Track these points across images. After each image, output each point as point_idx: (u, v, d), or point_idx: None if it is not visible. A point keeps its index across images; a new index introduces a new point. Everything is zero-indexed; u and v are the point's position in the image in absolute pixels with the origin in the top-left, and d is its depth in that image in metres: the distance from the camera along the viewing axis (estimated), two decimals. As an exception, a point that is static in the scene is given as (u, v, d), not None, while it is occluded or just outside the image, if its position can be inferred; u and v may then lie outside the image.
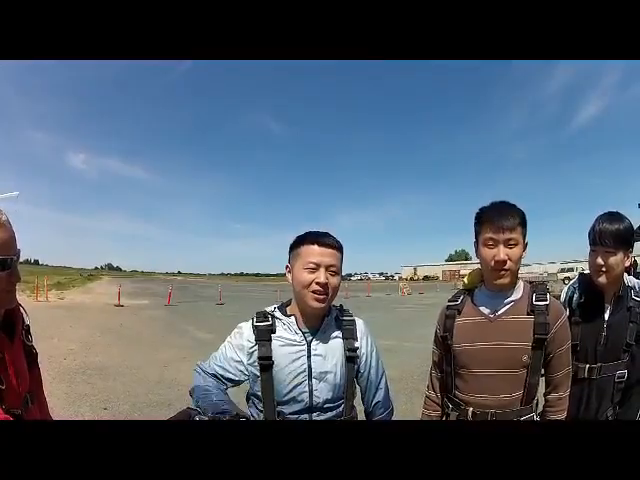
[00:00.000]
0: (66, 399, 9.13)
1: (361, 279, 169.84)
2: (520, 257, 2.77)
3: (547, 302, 2.77)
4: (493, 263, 2.74)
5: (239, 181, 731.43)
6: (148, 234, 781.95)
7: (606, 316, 3.17)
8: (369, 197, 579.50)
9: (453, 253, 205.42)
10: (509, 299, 2.83)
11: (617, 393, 3.09)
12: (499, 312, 2.82)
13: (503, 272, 2.74)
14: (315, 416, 2.75)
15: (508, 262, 2.72)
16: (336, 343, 2.82)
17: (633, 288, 3.27)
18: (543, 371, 2.85)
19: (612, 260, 3.10)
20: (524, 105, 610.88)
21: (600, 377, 3.10)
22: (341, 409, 2.81)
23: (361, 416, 3.04)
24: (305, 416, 2.73)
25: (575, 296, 3.34)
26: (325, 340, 2.80)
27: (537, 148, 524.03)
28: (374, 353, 3.00)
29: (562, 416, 2.84)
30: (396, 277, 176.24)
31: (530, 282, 2.95)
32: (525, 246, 2.81)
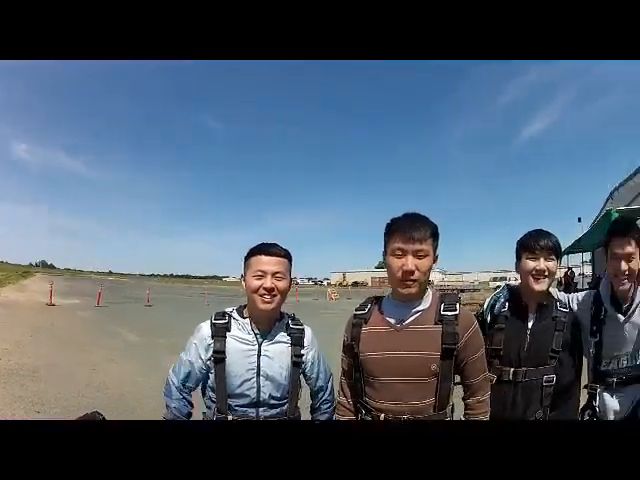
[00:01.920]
0: (2, 400, 9.05)
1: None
2: (429, 269, 2.82)
3: (456, 312, 2.82)
4: (401, 273, 2.77)
5: (172, 179, 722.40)
6: (82, 230, 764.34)
7: (530, 324, 3.30)
8: (302, 201, 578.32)
9: (383, 260, 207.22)
10: (416, 309, 2.86)
11: (547, 397, 3.20)
12: (406, 322, 2.85)
13: (410, 282, 2.78)
14: (262, 411, 3.00)
15: (416, 272, 2.75)
16: (284, 347, 3.09)
17: (559, 300, 3.43)
18: (459, 378, 2.92)
19: (553, 265, 3.28)
20: (466, 120, 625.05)
21: (525, 380, 3.20)
22: (285, 407, 3.07)
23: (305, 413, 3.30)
24: (252, 410, 2.99)
25: (497, 304, 3.45)
26: (275, 343, 3.07)
27: (477, 162, 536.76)
28: (321, 360, 3.33)
29: (483, 418, 2.90)
30: (325, 283, 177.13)
31: (442, 291, 2.98)
32: (435, 259, 2.87)
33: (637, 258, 3.13)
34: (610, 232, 3.28)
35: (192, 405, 3.15)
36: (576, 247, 34.99)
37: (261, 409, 3.00)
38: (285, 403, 3.07)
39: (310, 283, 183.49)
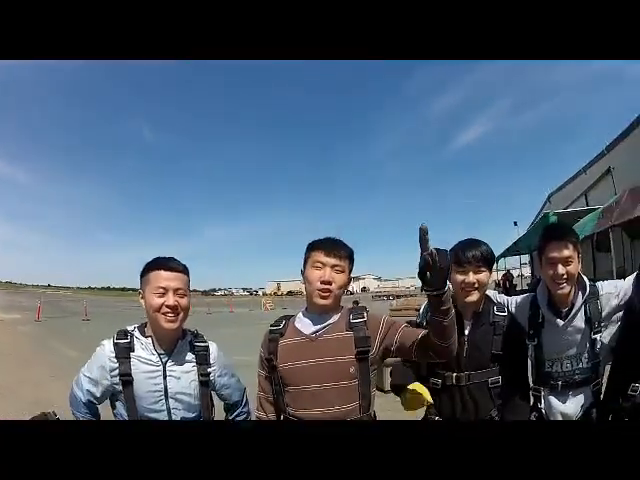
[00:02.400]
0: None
1: (225, 294, 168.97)
2: (344, 284, 2.99)
3: (364, 319, 2.95)
4: (319, 283, 2.90)
5: (112, 187, 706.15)
6: (21, 242, 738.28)
7: (466, 331, 3.32)
8: (239, 211, 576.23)
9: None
10: (328, 321, 2.97)
11: (497, 396, 3.27)
12: (320, 332, 2.95)
13: (327, 294, 2.91)
14: None
15: (333, 284, 2.91)
16: (190, 367, 3.06)
17: (497, 304, 3.45)
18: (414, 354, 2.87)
19: (484, 277, 3.27)
20: (402, 125, 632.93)
21: (471, 383, 3.26)
22: None
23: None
24: None
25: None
26: (180, 363, 3.03)
27: (413, 168, 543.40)
28: (230, 375, 3.32)
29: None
30: (260, 292, 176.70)
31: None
32: (349, 280, 3.05)
33: (575, 262, 3.14)
34: (545, 237, 3.28)
35: (99, 416, 3.13)
36: (513, 250, 35.68)
37: None
38: None
39: (245, 293, 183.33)
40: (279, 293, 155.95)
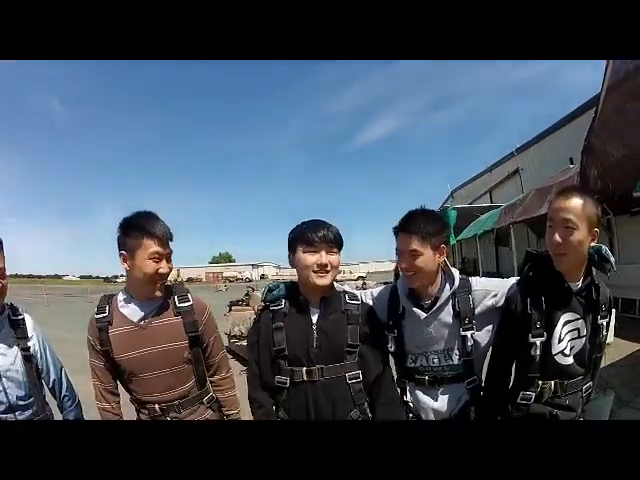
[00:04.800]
0: None
1: (125, 282, 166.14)
2: (172, 267, 3.07)
3: (191, 302, 3.10)
4: (157, 276, 2.96)
5: (16, 167, 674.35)
6: None
7: (314, 319, 3.08)
8: (142, 197, 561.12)
9: (217, 255, 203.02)
10: (154, 305, 3.02)
11: (357, 394, 3.02)
12: (148, 319, 2.99)
13: (162, 284, 3.04)
14: (18, 415, 2.90)
15: (169, 275, 3.03)
16: (11, 342, 2.97)
17: (348, 292, 3.24)
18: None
19: (335, 259, 3.07)
20: (308, 116, 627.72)
21: (324, 378, 2.97)
22: (35, 408, 3.00)
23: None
24: (10, 415, 2.87)
25: (276, 301, 3.23)
26: (2, 340, 2.94)
27: (316, 158, 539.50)
28: (47, 349, 3.22)
29: (232, 393, 3.30)
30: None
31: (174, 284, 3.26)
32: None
33: (426, 255, 2.99)
34: (396, 228, 3.15)
35: None
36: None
37: (17, 412, 2.91)
38: (33, 404, 3.00)
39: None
40: (179, 280, 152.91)
